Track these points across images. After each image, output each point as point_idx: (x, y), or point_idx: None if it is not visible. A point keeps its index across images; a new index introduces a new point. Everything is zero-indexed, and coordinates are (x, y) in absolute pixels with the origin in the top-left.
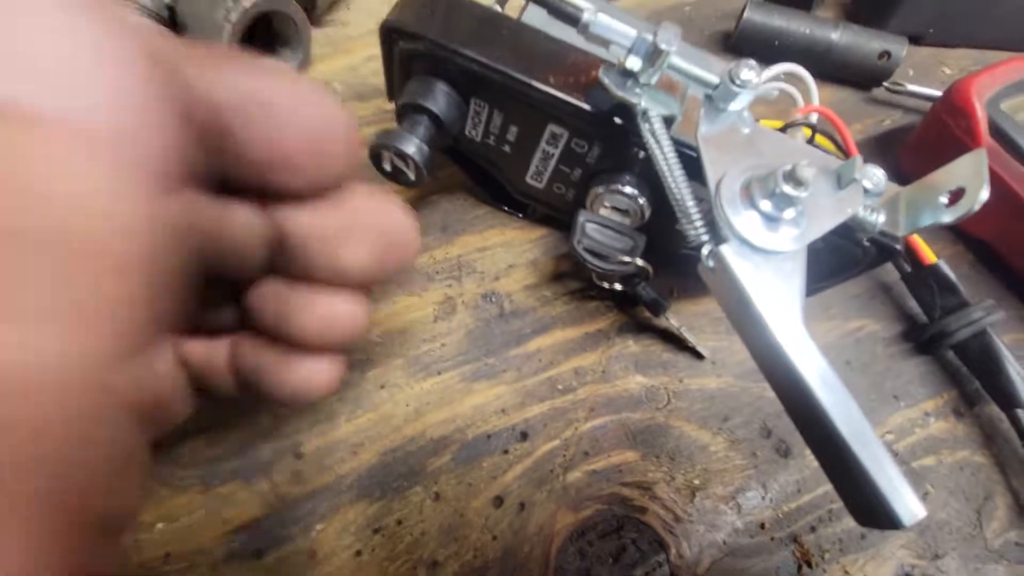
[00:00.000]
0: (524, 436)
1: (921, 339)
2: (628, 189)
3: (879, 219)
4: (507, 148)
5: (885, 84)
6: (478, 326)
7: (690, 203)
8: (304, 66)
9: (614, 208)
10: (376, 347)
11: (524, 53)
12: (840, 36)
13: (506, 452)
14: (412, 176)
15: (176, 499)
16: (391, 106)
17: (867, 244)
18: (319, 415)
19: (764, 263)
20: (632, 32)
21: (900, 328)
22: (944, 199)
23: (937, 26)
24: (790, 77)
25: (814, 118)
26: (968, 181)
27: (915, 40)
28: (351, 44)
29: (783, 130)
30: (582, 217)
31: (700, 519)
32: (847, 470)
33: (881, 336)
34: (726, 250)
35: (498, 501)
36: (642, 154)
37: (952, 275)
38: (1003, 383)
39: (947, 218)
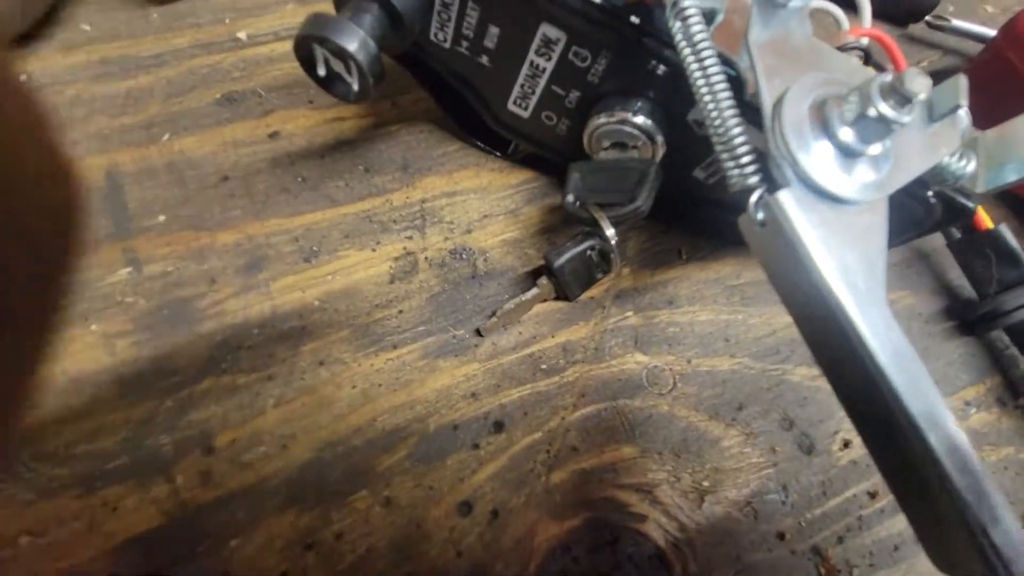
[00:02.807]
0: (499, 427)
1: (970, 317)
2: (640, 119)
3: (968, 166)
4: (485, 59)
5: (928, 19)
6: (445, 289)
7: (736, 130)
8: None
9: (617, 146)
10: (315, 313)
11: None
12: None
13: (476, 447)
14: (355, 85)
15: (45, 506)
16: None
17: (933, 201)
18: (238, 397)
19: (835, 217)
20: None
21: (941, 303)
22: None
23: None
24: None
25: (865, 42)
26: None
27: None
28: None
29: None
30: (575, 171)
31: (710, 529)
32: (934, 502)
33: (918, 311)
34: (785, 197)
35: (466, 508)
36: (661, 70)
37: (1015, 244)
38: None
39: None
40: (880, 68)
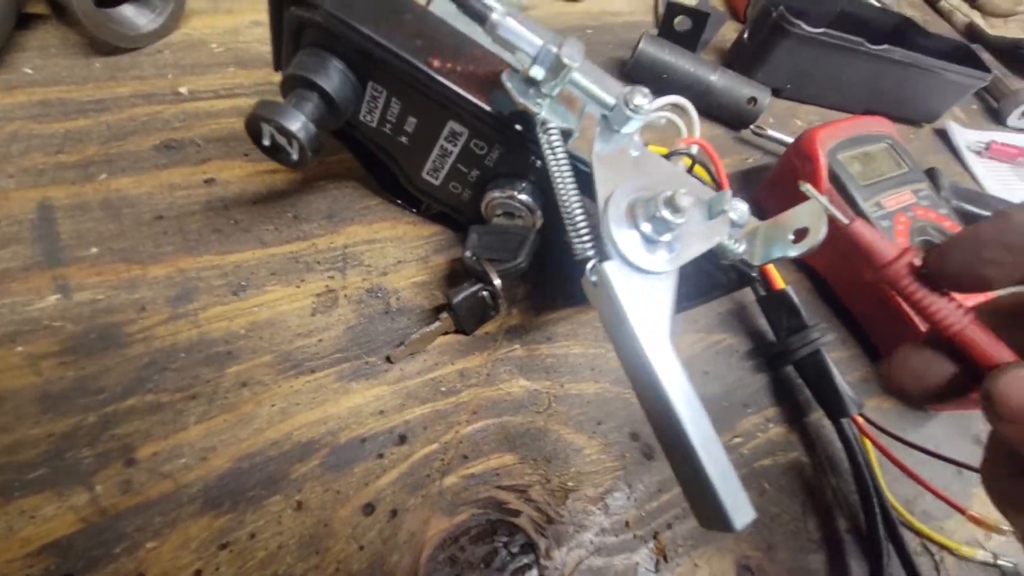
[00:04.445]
0: (402, 439)
1: (769, 355)
2: (524, 197)
3: (740, 249)
4: (404, 140)
5: (751, 127)
6: (360, 322)
7: (579, 217)
8: (175, 18)
9: (507, 214)
10: (240, 340)
11: (427, 43)
12: (718, 78)
13: (381, 456)
14: (295, 156)
15: None
16: (279, 77)
17: (729, 271)
18: (162, 414)
19: (641, 282)
20: (538, 41)
21: (753, 343)
22: (792, 236)
23: (793, 83)
24: (676, 109)
25: (694, 149)
26: (811, 223)
27: (775, 92)
28: (235, 4)
29: (667, 157)
30: (474, 232)
31: (571, 520)
32: (694, 476)
33: (736, 349)
34: (609, 267)
35: (369, 508)
36: (539, 163)
37: (796, 300)
38: (832, 396)
39: (793, 253)
40: (704, 166)
